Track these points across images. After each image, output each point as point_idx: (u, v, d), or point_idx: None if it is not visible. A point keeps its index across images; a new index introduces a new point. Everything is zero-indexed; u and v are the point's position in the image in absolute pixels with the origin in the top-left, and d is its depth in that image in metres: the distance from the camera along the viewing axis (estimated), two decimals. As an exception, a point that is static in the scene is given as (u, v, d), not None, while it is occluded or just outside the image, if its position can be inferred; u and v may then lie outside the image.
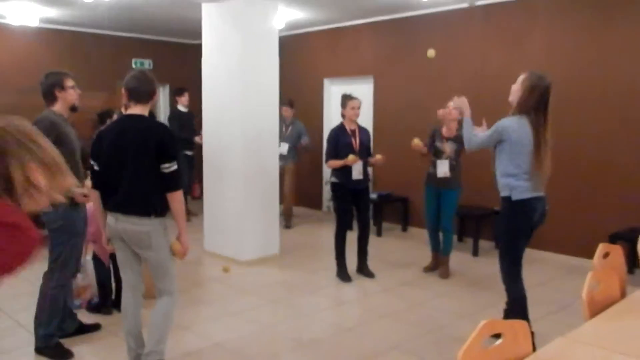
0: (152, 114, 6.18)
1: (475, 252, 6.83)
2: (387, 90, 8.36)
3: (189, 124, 8.45)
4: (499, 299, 4.65)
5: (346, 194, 5.70)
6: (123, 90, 3.45)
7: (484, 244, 7.01)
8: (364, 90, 8.53)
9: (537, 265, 6.30)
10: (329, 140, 5.71)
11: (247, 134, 6.32)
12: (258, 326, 4.59)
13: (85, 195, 3.79)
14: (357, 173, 5.61)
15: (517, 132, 3.74)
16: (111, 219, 3.41)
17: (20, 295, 5.12)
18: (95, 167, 3.44)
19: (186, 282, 5.60)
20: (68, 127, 3.92)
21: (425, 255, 6.34)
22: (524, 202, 3.82)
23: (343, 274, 5.82)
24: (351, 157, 5.48)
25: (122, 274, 3.60)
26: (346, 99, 5.70)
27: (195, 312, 4.88)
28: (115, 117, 6.96)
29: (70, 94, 3.91)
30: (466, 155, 5.88)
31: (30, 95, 7.22)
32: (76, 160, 3.94)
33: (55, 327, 3.96)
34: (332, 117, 8.67)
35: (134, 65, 9.85)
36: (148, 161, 3.28)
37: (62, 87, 3.89)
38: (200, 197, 7.73)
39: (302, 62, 9.44)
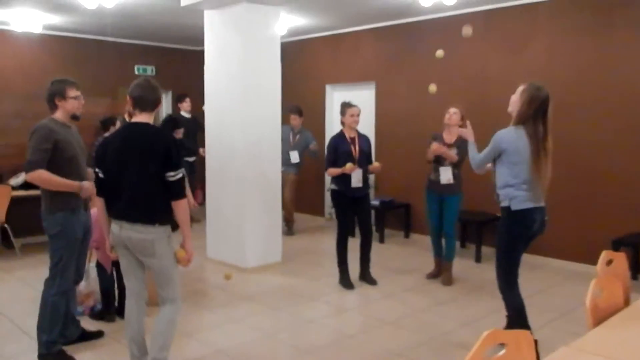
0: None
1: (477, 259, 6.83)
2: (389, 96, 8.37)
3: (191, 130, 8.44)
4: (502, 305, 4.63)
5: (346, 201, 5.70)
6: (128, 98, 3.47)
7: (486, 250, 6.99)
8: (365, 96, 8.56)
9: (539, 271, 6.30)
10: (328, 148, 5.72)
11: (248, 139, 6.33)
12: (260, 333, 4.59)
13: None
14: (356, 181, 5.61)
15: (514, 142, 3.78)
16: (115, 226, 3.42)
17: (23, 301, 5.15)
18: (100, 174, 3.44)
19: (189, 289, 5.61)
20: (69, 134, 3.92)
21: (427, 261, 6.34)
22: (524, 212, 3.83)
23: (345, 281, 5.81)
24: (349, 165, 5.49)
25: (125, 282, 3.60)
26: (345, 106, 5.71)
27: (198, 319, 4.88)
28: (118, 123, 6.99)
29: (70, 104, 3.91)
30: (468, 161, 5.89)
31: (33, 102, 7.27)
32: (79, 165, 3.95)
33: (58, 334, 3.96)
34: (334, 123, 8.68)
35: (136, 72, 9.88)
36: (153, 169, 3.29)
37: (63, 96, 3.89)
38: (202, 204, 7.73)
39: (304, 68, 9.46)
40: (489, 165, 4.08)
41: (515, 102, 3.85)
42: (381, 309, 5.19)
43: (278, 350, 4.36)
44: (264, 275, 6.25)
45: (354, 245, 5.94)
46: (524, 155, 3.77)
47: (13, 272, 6.27)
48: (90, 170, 3.92)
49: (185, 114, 8.36)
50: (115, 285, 4.75)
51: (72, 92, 3.91)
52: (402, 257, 7.08)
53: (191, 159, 8.46)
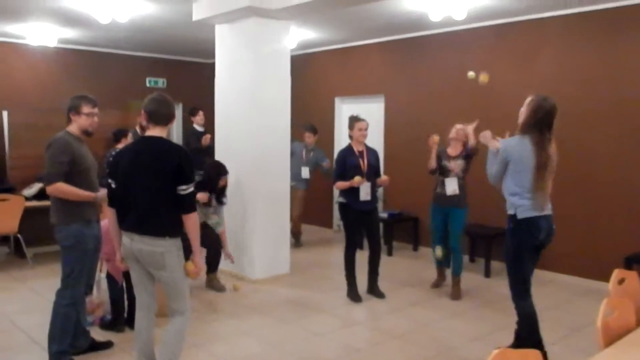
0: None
1: (487, 273, 6.80)
2: (397, 109, 8.41)
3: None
4: (511, 321, 4.63)
5: (354, 215, 5.71)
6: (142, 112, 3.53)
7: (495, 264, 6.97)
8: (374, 109, 8.60)
9: (551, 287, 6.27)
10: (336, 161, 5.75)
11: (258, 152, 6.38)
12: (268, 345, 4.61)
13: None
14: (364, 194, 5.63)
15: (518, 151, 3.85)
16: (126, 239, 3.46)
17: (35, 311, 5.20)
18: (112, 185, 3.50)
19: (197, 300, 5.64)
20: (82, 147, 4.01)
21: (435, 275, 6.34)
22: (529, 221, 3.88)
23: (353, 294, 5.82)
24: (357, 178, 5.51)
25: (135, 294, 3.63)
26: (353, 120, 5.75)
27: (206, 330, 4.90)
28: (130, 135, 7.08)
29: (83, 120, 3.99)
30: (471, 172, 5.91)
31: (47, 114, 7.39)
32: (91, 178, 4.03)
33: (68, 344, 4.00)
34: (342, 136, 8.71)
35: (147, 84, 9.99)
36: (165, 183, 3.34)
37: (77, 112, 3.98)
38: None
39: (313, 81, 9.53)
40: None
41: (522, 112, 3.93)
42: (389, 323, 5.20)
43: (285, 362, 4.38)
44: (271, 287, 6.27)
45: (362, 258, 5.96)
46: (527, 164, 3.83)
47: (25, 281, 6.33)
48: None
49: (198, 127, 8.35)
50: (125, 296, 4.79)
51: (87, 109, 3.99)
52: (410, 271, 7.08)
53: (200, 173, 8.47)
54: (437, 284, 6.26)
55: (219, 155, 6.88)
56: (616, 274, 3.11)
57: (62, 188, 3.82)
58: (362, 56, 8.91)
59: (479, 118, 5.78)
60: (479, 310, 5.57)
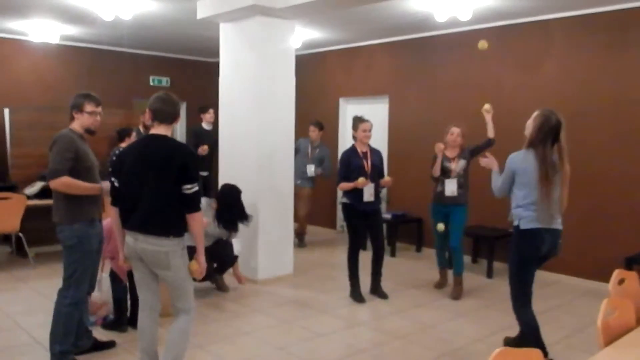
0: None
1: (489, 274, 6.79)
2: (402, 110, 8.39)
3: (211, 143, 8.35)
4: (514, 321, 4.62)
5: (357, 215, 5.70)
6: (147, 110, 3.52)
7: (498, 265, 6.96)
8: (379, 109, 8.58)
9: (552, 288, 6.26)
10: (340, 162, 5.75)
11: (262, 152, 6.37)
12: (271, 346, 4.59)
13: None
14: (368, 195, 5.62)
15: (522, 164, 3.95)
16: (130, 238, 3.45)
17: (37, 311, 5.18)
18: (116, 184, 3.49)
19: (200, 301, 5.62)
20: (84, 145, 3.99)
21: (438, 276, 6.32)
22: (532, 232, 3.93)
23: (356, 295, 5.81)
24: (361, 179, 5.49)
25: (139, 294, 3.62)
26: (357, 121, 5.73)
27: (209, 331, 4.88)
28: (134, 134, 7.06)
29: (86, 118, 3.98)
30: (475, 173, 5.91)
31: (50, 112, 7.38)
32: (94, 176, 4.00)
33: (71, 344, 3.98)
34: (347, 136, 8.70)
35: (151, 83, 9.98)
36: (170, 182, 3.32)
37: (80, 110, 3.97)
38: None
39: (318, 81, 9.51)
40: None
41: (529, 126, 4.01)
42: (392, 324, 5.18)
43: (288, 363, 4.36)
44: (275, 287, 6.26)
45: (365, 258, 5.94)
46: (531, 177, 3.90)
47: (27, 281, 6.32)
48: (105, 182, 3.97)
49: (206, 126, 8.13)
50: (128, 296, 4.77)
51: (89, 107, 3.97)
52: (413, 271, 7.06)
53: (205, 174, 8.42)
54: (440, 285, 6.27)
55: (222, 155, 6.87)
56: (616, 274, 3.16)
57: (67, 181, 3.80)
58: (367, 57, 8.89)
59: (482, 118, 5.78)
60: (482, 311, 5.55)
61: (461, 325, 5.17)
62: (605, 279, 3.20)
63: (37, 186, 7.09)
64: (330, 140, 9.01)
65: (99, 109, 4.04)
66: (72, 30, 8.14)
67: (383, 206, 8.15)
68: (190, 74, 10.55)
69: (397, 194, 8.27)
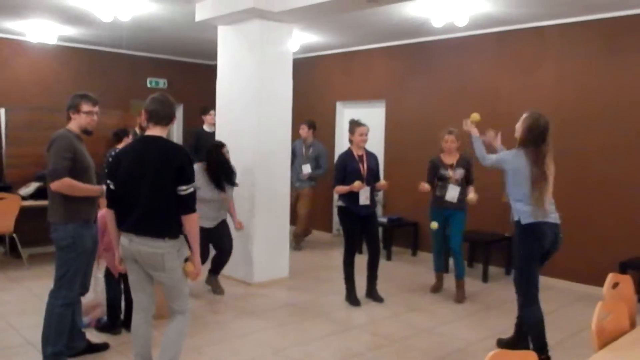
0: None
1: (485, 278, 6.80)
2: (399, 114, 8.41)
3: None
4: (510, 325, 4.63)
5: (353, 219, 5.70)
6: (143, 112, 3.51)
7: (493, 269, 6.98)
8: (375, 113, 8.60)
9: (548, 293, 6.23)
10: (336, 165, 5.74)
11: (258, 155, 6.36)
12: (266, 349, 4.58)
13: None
14: (364, 199, 5.62)
15: (513, 163, 4.14)
16: (125, 239, 3.43)
17: (30, 312, 5.16)
18: (111, 186, 3.47)
19: (196, 304, 5.60)
20: (81, 145, 3.99)
21: (434, 279, 6.32)
22: (533, 226, 4.07)
23: (352, 298, 5.80)
24: (357, 183, 5.50)
25: (133, 295, 3.60)
26: (354, 125, 5.74)
27: (205, 334, 4.86)
28: (130, 136, 7.04)
29: (83, 119, 3.97)
30: (475, 178, 5.93)
31: (47, 112, 7.36)
32: (90, 177, 4.00)
33: (64, 346, 3.95)
34: (344, 140, 8.66)
35: (148, 85, 9.97)
36: (166, 183, 3.32)
37: (77, 110, 3.96)
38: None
39: (315, 85, 9.52)
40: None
41: (518, 128, 4.19)
42: (388, 327, 5.17)
43: (283, 366, 4.35)
44: (270, 290, 6.25)
45: (361, 262, 5.94)
46: (524, 175, 4.07)
47: (20, 282, 6.29)
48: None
49: (207, 128, 7.99)
50: (123, 297, 4.75)
51: (87, 107, 3.97)
52: (409, 275, 7.07)
53: None
54: (436, 289, 6.28)
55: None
56: (610, 278, 3.20)
57: (69, 183, 3.79)
58: (364, 61, 8.91)
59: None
60: (478, 315, 5.56)
61: (457, 328, 5.17)
62: (600, 283, 3.22)
63: (32, 187, 7.06)
64: (327, 144, 9.01)
65: (96, 109, 4.04)
66: (71, 31, 8.14)
67: (379, 210, 8.15)
68: (188, 76, 10.55)
69: (393, 197, 8.27)
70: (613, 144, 6.23)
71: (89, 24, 7.52)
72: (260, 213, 6.40)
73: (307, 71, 9.35)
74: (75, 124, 3.97)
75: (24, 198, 6.89)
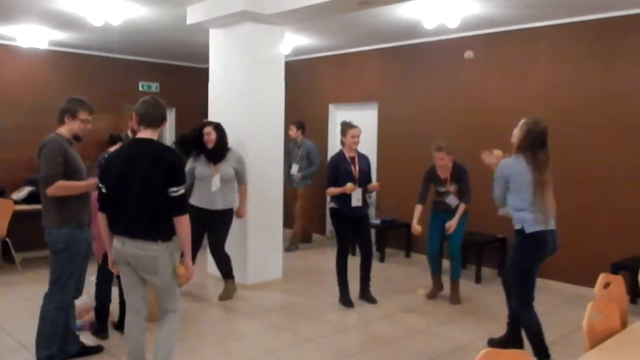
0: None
1: (478, 279, 6.83)
2: (391, 116, 8.43)
3: None
4: (502, 326, 4.65)
5: (345, 220, 5.72)
6: (134, 115, 3.51)
7: (486, 271, 7.00)
8: (368, 116, 8.61)
9: (540, 294, 6.16)
10: (328, 167, 5.73)
11: (251, 157, 6.36)
12: (259, 351, 4.58)
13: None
14: (356, 200, 5.63)
15: (514, 169, 4.08)
16: (117, 242, 3.43)
17: (23, 316, 5.15)
18: (103, 190, 3.47)
19: (189, 306, 5.61)
20: (72, 149, 4.00)
21: (428, 281, 6.32)
22: (537, 234, 4.06)
23: (345, 300, 5.81)
24: (349, 185, 5.51)
25: (126, 298, 3.60)
26: (346, 127, 5.75)
27: (198, 336, 4.87)
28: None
29: (77, 125, 3.99)
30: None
31: (38, 117, 7.34)
32: (82, 179, 4.01)
33: (57, 349, 3.96)
34: (336, 142, 8.64)
35: (140, 88, 9.94)
36: (157, 185, 3.32)
37: (73, 116, 3.97)
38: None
39: (307, 88, 9.53)
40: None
41: (515, 134, 4.15)
42: (381, 329, 5.19)
43: (277, 368, 4.35)
44: (264, 292, 6.25)
45: (354, 264, 5.95)
46: (525, 181, 4.03)
47: (14, 286, 6.27)
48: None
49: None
50: (119, 300, 4.72)
51: (83, 115, 3.99)
52: (402, 277, 7.08)
53: None
54: (434, 294, 6.15)
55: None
56: (602, 278, 3.20)
57: (62, 184, 3.81)
58: (357, 63, 8.93)
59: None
60: (471, 316, 5.57)
61: (450, 329, 5.19)
62: (593, 284, 3.24)
63: (25, 191, 7.05)
64: (320, 146, 9.01)
65: (90, 118, 4.06)
66: (61, 35, 8.11)
67: (372, 212, 8.18)
68: (180, 79, 10.53)
69: (387, 199, 8.29)
70: (604, 145, 6.26)
71: (79, 28, 7.50)
72: (253, 215, 6.40)
73: (299, 74, 9.35)
74: (68, 129, 3.98)
75: (16, 202, 6.88)
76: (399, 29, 7.33)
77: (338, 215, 5.74)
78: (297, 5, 5.74)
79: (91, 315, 4.87)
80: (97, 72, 9.46)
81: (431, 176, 5.95)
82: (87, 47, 9.00)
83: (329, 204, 5.89)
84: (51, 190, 3.80)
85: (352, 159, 5.73)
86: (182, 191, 3.37)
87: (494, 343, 4.57)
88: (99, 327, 4.72)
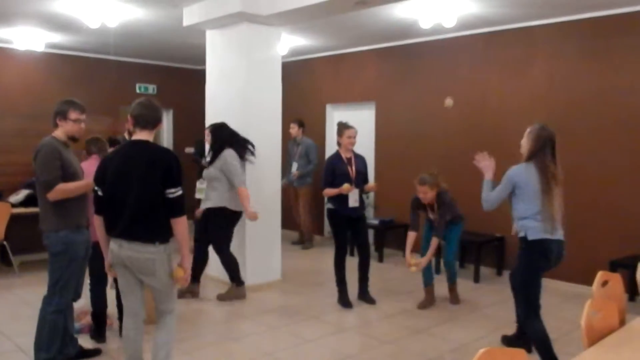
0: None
1: (476, 279, 6.82)
2: (388, 116, 8.43)
3: None
4: (501, 325, 4.66)
5: (343, 221, 5.72)
6: (129, 117, 3.50)
7: (484, 270, 7.00)
8: (365, 116, 8.62)
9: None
10: (325, 168, 5.73)
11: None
12: (259, 352, 4.57)
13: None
14: (352, 201, 5.63)
15: (523, 176, 4.05)
16: (114, 245, 3.42)
17: (21, 319, 5.14)
18: (99, 193, 3.46)
19: (188, 307, 5.60)
20: (67, 152, 3.98)
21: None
22: (540, 242, 4.02)
23: (344, 300, 5.81)
24: (346, 186, 5.51)
25: (123, 300, 3.59)
26: (342, 127, 5.74)
27: (196, 337, 4.86)
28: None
29: (70, 126, 3.96)
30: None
31: (35, 120, 7.33)
32: (79, 181, 3.99)
33: (56, 352, 3.94)
34: (334, 143, 8.66)
35: (137, 90, 9.95)
36: (154, 187, 3.30)
37: (65, 118, 3.95)
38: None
39: (304, 88, 9.53)
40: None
41: (524, 143, 4.15)
42: (380, 329, 5.18)
43: (276, 369, 4.35)
44: (263, 293, 6.25)
45: (353, 264, 5.95)
46: (535, 188, 4.01)
47: (11, 289, 6.26)
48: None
49: None
50: (116, 303, 4.71)
51: (74, 115, 3.96)
52: (401, 277, 7.08)
53: None
54: (425, 305, 5.81)
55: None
56: (600, 276, 3.19)
57: (63, 187, 3.80)
58: (354, 63, 8.93)
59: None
60: (470, 316, 5.57)
61: (449, 329, 5.19)
62: (590, 282, 3.24)
63: (22, 194, 7.03)
64: (318, 146, 9.02)
65: (84, 116, 4.03)
66: (58, 37, 8.11)
67: (370, 212, 8.18)
68: (177, 81, 10.53)
69: (385, 199, 8.28)
70: (603, 144, 6.25)
71: (76, 30, 7.50)
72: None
73: (296, 74, 9.36)
74: (62, 131, 3.96)
75: (14, 205, 6.86)
76: (395, 29, 7.33)
77: (335, 216, 5.73)
78: (293, 5, 5.74)
79: (89, 318, 4.86)
80: (94, 74, 9.47)
81: (417, 204, 5.78)
82: (84, 49, 9.00)
83: (327, 205, 5.89)
84: (52, 195, 3.79)
85: (349, 159, 5.72)
86: (179, 192, 3.36)
87: (507, 340, 4.58)
88: (97, 333, 4.70)
